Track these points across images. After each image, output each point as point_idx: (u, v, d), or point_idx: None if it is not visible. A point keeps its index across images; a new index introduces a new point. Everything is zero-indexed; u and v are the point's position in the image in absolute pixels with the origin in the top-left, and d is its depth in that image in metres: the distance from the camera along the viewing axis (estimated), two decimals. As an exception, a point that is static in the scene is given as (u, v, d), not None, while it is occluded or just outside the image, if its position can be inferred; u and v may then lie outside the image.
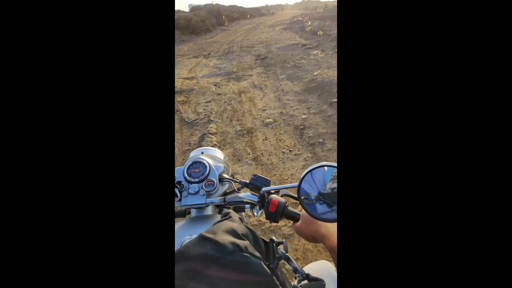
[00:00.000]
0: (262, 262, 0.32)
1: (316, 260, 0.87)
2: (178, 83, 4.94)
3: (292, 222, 0.56)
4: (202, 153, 0.76)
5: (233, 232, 0.35)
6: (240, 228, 0.37)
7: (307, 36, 8.19)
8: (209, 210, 0.64)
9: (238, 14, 19.15)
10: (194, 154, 0.77)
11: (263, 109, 3.64)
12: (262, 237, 0.42)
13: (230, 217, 0.41)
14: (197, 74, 5.54)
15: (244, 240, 0.34)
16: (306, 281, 0.40)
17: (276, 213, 0.53)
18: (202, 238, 0.33)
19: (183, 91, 4.53)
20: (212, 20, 13.37)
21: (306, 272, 0.42)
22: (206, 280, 0.28)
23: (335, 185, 0.44)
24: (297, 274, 0.41)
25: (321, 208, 0.45)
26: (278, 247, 0.43)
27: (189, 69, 6.02)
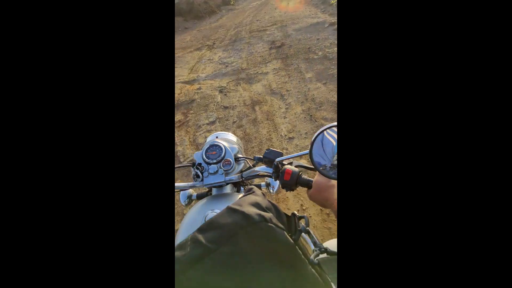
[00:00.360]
0: (285, 232, 0.35)
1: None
2: (177, 90, 3.90)
3: (306, 189, 0.57)
4: (217, 137, 0.81)
5: (257, 205, 0.37)
6: (263, 202, 0.39)
7: (333, 10, 6.51)
8: (228, 189, 0.72)
9: (245, -12, 17.12)
10: (210, 139, 0.81)
11: (289, 137, 2.53)
12: (285, 212, 0.43)
13: (254, 192, 0.43)
14: (199, 74, 4.46)
15: (268, 212, 0.36)
16: (324, 255, 0.42)
17: (291, 181, 0.56)
18: (230, 210, 0.35)
19: (182, 103, 3.50)
20: (217, 0, 11.85)
21: (326, 246, 0.44)
22: (235, 246, 0.31)
23: None
24: (316, 248, 0.43)
25: (334, 170, 0.49)
26: (300, 221, 0.46)
27: (191, 67, 4.93)
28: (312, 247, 0.43)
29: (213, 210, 0.59)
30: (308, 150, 0.49)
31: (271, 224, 0.34)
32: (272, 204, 0.40)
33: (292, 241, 0.34)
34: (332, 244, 0.66)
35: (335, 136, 0.47)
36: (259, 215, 0.34)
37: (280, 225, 0.35)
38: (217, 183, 0.67)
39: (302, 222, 0.45)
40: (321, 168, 0.49)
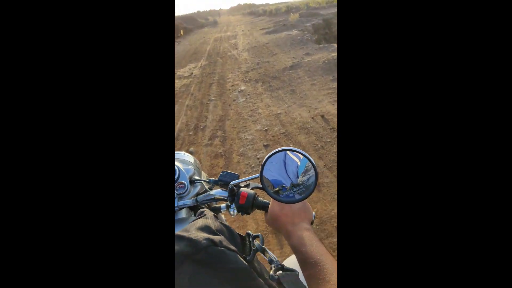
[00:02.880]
0: (237, 254, 0.33)
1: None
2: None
3: (263, 213, 0.55)
4: None
5: (207, 229, 0.35)
6: (214, 224, 0.37)
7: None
8: (183, 213, 0.62)
9: (179, 26, 15.59)
10: None
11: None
12: (239, 232, 0.42)
13: (205, 215, 0.41)
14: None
15: (219, 235, 0.35)
16: (281, 271, 0.41)
17: (247, 205, 0.54)
18: (176, 237, 0.32)
19: None
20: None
21: (282, 263, 0.43)
22: (182, 276, 0.29)
23: (307, 177, 0.46)
24: (273, 265, 0.43)
25: (286, 192, 0.47)
26: (255, 240, 0.45)
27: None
28: (270, 264, 0.44)
29: None
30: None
31: (221, 248, 0.32)
32: (225, 225, 0.39)
33: (245, 263, 0.33)
34: (291, 260, 0.62)
35: (297, 157, 0.46)
36: (208, 239, 0.32)
37: (231, 247, 0.33)
38: None
39: (257, 241, 0.44)
40: (276, 189, 0.47)
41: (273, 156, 0.45)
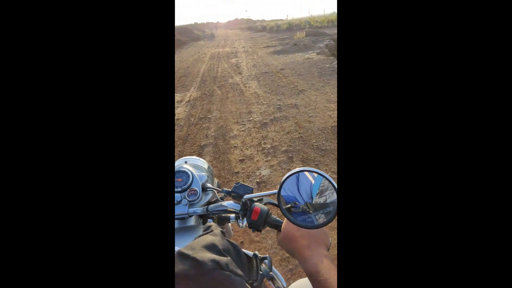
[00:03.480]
0: (244, 280, 0.32)
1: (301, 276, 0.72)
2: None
3: (276, 231, 0.51)
4: (186, 162, 0.73)
5: (213, 248, 0.33)
6: (221, 242, 0.35)
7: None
8: (192, 221, 0.60)
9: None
10: (177, 164, 0.73)
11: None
12: (245, 251, 0.42)
13: (212, 230, 0.39)
14: None
15: (225, 256, 0.33)
16: None
17: (259, 222, 0.51)
18: (180, 255, 0.31)
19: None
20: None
21: None
22: None
23: (323, 197, 0.44)
24: None
25: (303, 216, 0.44)
26: (262, 263, 0.44)
27: None
28: None
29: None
30: (277, 190, 0.45)
31: (228, 272, 0.30)
32: (232, 244, 0.37)
33: None
34: (299, 284, 0.58)
35: (312, 176, 0.44)
36: (214, 261, 0.30)
37: (238, 271, 0.32)
38: (179, 215, 0.57)
39: (264, 266, 0.43)
40: (289, 206, 0.44)
41: (292, 176, 0.44)
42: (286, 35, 14.32)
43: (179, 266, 0.29)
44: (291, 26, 19.08)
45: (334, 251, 1.31)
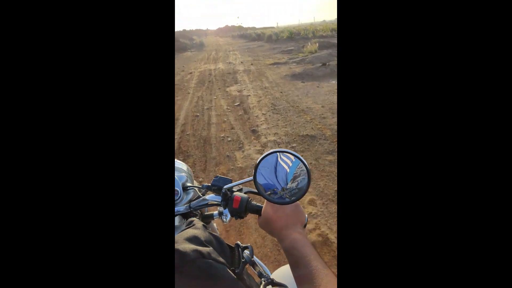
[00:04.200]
0: (226, 267, 0.33)
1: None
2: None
3: (257, 216, 0.53)
4: None
5: (195, 240, 0.34)
6: (203, 234, 0.36)
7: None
8: (176, 221, 0.60)
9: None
10: None
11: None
12: (228, 243, 0.42)
13: (194, 225, 0.40)
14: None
15: (207, 246, 0.34)
16: (270, 286, 0.41)
17: (240, 209, 0.53)
18: None
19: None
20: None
21: (272, 277, 0.43)
22: None
23: (300, 179, 0.46)
24: (262, 279, 0.42)
25: (282, 196, 0.46)
26: (244, 251, 0.44)
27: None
28: (259, 278, 0.43)
29: None
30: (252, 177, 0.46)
31: (210, 260, 0.32)
32: (214, 236, 0.38)
33: (234, 275, 0.33)
34: (281, 272, 0.60)
35: (285, 163, 0.45)
36: (196, 251, 0.31)
37: (220, 259, 0.33)
38: None
39: (246, 252, 0.44)
40: (268, 193, 0.46)
41: (264, 160, 0.45)
42: (290, 45, 11.82)
43: None
44: (293, 35, 16.60)
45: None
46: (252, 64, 7.65)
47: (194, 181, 0.71)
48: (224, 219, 0.55)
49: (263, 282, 0.41)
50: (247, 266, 0.41)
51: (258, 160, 0.45)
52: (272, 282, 0.40)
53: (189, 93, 4.92)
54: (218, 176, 0.59)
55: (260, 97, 4.26)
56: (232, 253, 0.41)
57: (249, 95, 4.39)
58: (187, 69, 7.90)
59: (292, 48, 10.80)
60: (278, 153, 0.45)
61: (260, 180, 0.46)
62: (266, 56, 9.53)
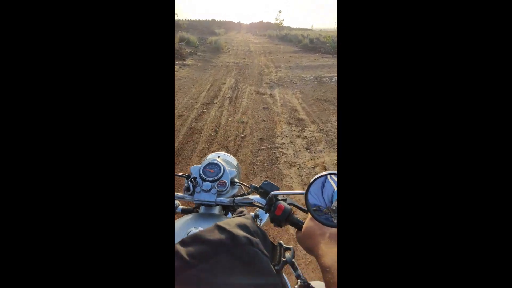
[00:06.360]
0: (269, 260, 0.34)
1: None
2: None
3: (296, 230, 0.54)
4: (219, 156, 0.80)
5: (246, 228, 0.35)
6: (252, 226, 0.37)
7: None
8: (216, 210, 0.66)
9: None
10: (211, 156, 0.80)
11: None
12: (271, 240, 0.42)
13: (244, 215, 0.41)
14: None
15: (255, 237, 0.35)
16: None
17: (282, 217, 0.54)
18: (218, 227, 0.33)
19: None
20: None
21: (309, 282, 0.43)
22: (217, 265, 0.30)
23: None
24: (299, 280, 0.43)
25: (325, 215, 0.47)
26: (286, 252, 0.45)
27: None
28: (296, 279, 0.43)
29: (197, 228, 0.54)
30: (304, 191, 0.47)
31: (257, 250, 0.33)
32: (261, 230, 0.38)
33: (275, 271, 0.34)
34: (317, 285, 0.58)
35: (335, 183, 0.46)
36: (247, 238, 0.33)
37: (265, 252, 0.34)
38: (207, 201, 0.63)
39: (288, 254, 0.45)
40: (314, 209, 0.46)
41: (318, 179, 0.46)
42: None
43: (216, 236, 0.32)
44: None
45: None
46: None
47: (240, 176, 0.76)
48: (259, 222, 0.60)
49: (299, 283, 0.42)
50: (286, 266, 0.42)
51: (314, 178, 0.45)
52: (308, 285, 0.41)
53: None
54: (267, 180, 0.61)
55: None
56: (274, 251, 0.43)
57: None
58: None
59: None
60: (329, 175, 0.45)
61: (309, 197, 0.46)
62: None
